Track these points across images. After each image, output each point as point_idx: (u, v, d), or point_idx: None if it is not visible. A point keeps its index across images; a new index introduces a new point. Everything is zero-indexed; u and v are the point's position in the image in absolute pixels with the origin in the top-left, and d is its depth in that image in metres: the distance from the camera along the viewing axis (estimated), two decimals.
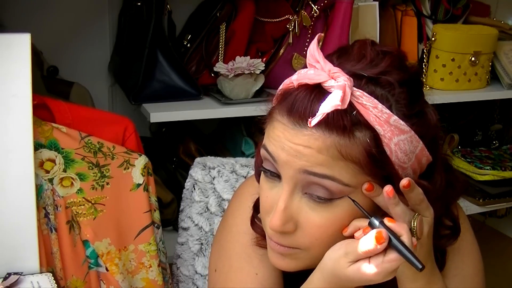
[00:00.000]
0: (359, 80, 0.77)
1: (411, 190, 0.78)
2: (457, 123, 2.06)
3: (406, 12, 1.80)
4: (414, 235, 0.79)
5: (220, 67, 1.48)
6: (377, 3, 1.65)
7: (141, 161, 1.21)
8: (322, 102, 0.73)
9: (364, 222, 0.78)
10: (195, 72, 1.55)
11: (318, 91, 0.76)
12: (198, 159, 1.29)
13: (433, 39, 1.75)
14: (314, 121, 0.72)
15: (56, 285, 1.06)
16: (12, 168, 1.07)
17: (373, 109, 0.76)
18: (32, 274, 1.09)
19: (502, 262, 2.14)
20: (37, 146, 1.12)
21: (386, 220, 0.76)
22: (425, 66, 1.79)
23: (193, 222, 1.25)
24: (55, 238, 1.15)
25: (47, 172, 1.14)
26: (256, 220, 0.92)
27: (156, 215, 1.25)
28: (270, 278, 0.90)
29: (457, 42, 1.73)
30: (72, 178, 1.16)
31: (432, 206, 0.82)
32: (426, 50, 1.78)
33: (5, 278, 1.05)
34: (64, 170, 1.15)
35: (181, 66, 1.47)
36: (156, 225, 1.24)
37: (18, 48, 1.05)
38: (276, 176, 0.81)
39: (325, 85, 0.75)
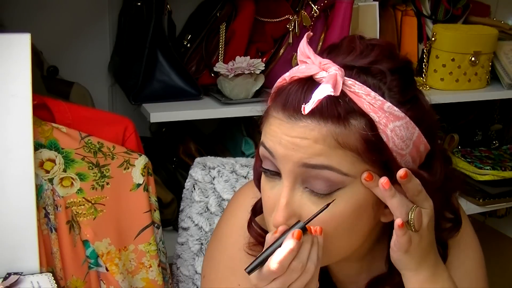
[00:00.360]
0: (350, 71, 0.78)
1: (408, 181, 0.78)
2: (457, 123, 2.06)
3: (406, 12, 1.80)
4: (412, 227, 0.79)
5: (220, 67, 1.48)
6: (377, 3, 1.65)
7: (141, 161, 1.21)
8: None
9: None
10: (195, 72, 1.55)
11: (311, 83, 0.76)
12: (198, 159, 1.29)
13: (433, 39, 1.75)
14: (307, 107, 0.72)
15: (56, 285, 1.06)
16: (12, 168, 1.07)
17: (366, 97, 0.76)
18: (32, 274, 1.09)
19: (502, 262, 2.14)
20: (37, 146, 1.12)
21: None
22: (425, 66, 1.79)
23: (193, 222, 1.25)
24: (55, 238, 1.15)
25: (47, 172, 1.14)
26: (253, 223, 0.92)
27: (156, 215, 1.25)
28: None
29: (457, 42, 1.73)
30: (72, 178, 1.16)
31: (433, 198, 0.82)
32: (426, 50, 1.78)
33: (5, 278, 1.05)
34: (64, 170, 1.15)
35: (181, 66, 1.47)
36: (156, 225, 1.24)
37: (18, 48, 1.05)
38: (276, 174, 0.81)
39: (317, 77, 0.76)
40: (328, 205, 0.78)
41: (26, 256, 1.09)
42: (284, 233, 0.78)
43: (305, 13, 1.55)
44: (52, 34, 1.55)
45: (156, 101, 1.45)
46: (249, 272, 0.77)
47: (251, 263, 0.77)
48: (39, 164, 1.13)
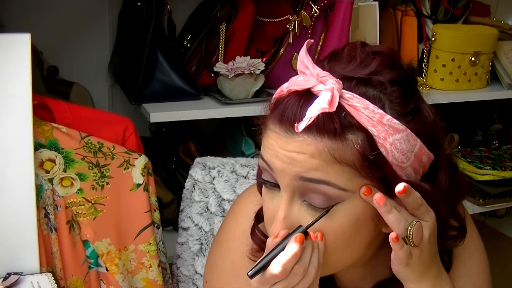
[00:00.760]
0: (349, 82, 0.77)
1: (407, 195, 0.76)
2: (457, 123, 2.06)
3: (406, 12, 1.80)
4: (411, 243, 0.78)
5: (220, 67, 1.48)
6: (377, 3, 1.65)
7: (141, 161, 1.21)
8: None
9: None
10: (195, 72, 1.55)
11: (307, 97, 0.75)
12: (198, 159, 1.29)
13: (433, 39, 1.75)
14: (301, 126, 0.72)
15: (56, 285, 1.06)
16: (12, 168, 1.07)
17: (364, 110, 0.75)
18: (32, 274, 1.09)
19: (502, 262, 2.13)
20: (37, 146, 1.12)
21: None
22: (425, 66, 1.79)
23: (193, 222, 1.25)
24: (55, 238, 1.15)
25: (47, 172, 1.14)
26: (256, 230, 0.92)
27: (156, 215, 1.25)
28: None
29: (457, 42, 1.73)
30: (72, 178, 1.16)
31: (438, 207, 0.81)
32: (426, 50, 1.78)
33: (5, 278, 1.05)
34: (64, 170, 1.15)
35: (181, 66, 1.47)
36: (156, 225, 1.24)
37: (18, 48, 1.05)
38: (275, 186, 0.81)
39: (314, 90, 0.75)
40: (328, 210, 0.77)
41: (26, 256, 1.09)
42: (286, 237, 0.78)
43: (305, 13, 1.55)
44: (52, 34, 1.55)
45: (156, 101, 1.45)
46: (251, 277, 0.77)
47: (253, 267, 0.77)
48: (39, 164, 1.13)
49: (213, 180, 1.26)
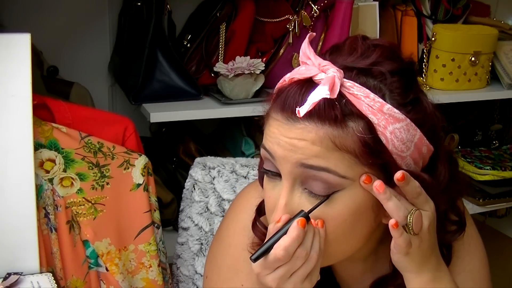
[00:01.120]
0: (350, 72, 0.78)
1: (406, 183, 0.77)
2: (457, 123, 2.06)
3: (406, 12, 1.80)
4: (410, 231, 0.79)
5: (220, 67, 1.48)
6: (377, 3, 1.65)
7: (141, 161, 1.21)
8: None
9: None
10: (195, 72, 1.55)
11: (309, 85, 0.76)
12: (198, 159, 1.29)
13: (433, 39, 1.75)
14: (302, 110, 0.73)
15: (56, 285, 1.06)
16: (12, 168, 1.07)
17: (365, 99, 0.76)
18: (32, 274, 1.08)
19: (502, 262, 2.13)
20: (37, 146, 1.12)
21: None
22: (425, 66, 1.79)
23: (193, 222, 1.25)
24: (55, 238, 1.15)
25: (47, 172, 1.14)
26: (258, 223, 0.92)
27: (156, 215, 1.25)
28: None
29: (457, 42, 1.73)
30: (72, 178, 1.16)
31: (438, 200, 0.81)
32: (426, 50, 1.78)
33: (5, 278, 1.05)
34: (64, 170, 1.15)
35: (181, 66, 1.47)
36: (156, 225, 1.24)
37: (18, 48, 1.05)
38: (276, 175, 0.82)
39: (316, 78, 0.76)
40: (329, 196, 0.78)
41: (26, 256, 1.09)
42: (287, 222, 0.78)
43: (305, 13, 1.55)
44: (52, 34, 1.55)
45: (156, 101, 1.46)
46: (254, 260, 0.77)
47: (256, 251, 0.77)
48: (39, 164, 1.13)
49: (213, 180, 1.26)
